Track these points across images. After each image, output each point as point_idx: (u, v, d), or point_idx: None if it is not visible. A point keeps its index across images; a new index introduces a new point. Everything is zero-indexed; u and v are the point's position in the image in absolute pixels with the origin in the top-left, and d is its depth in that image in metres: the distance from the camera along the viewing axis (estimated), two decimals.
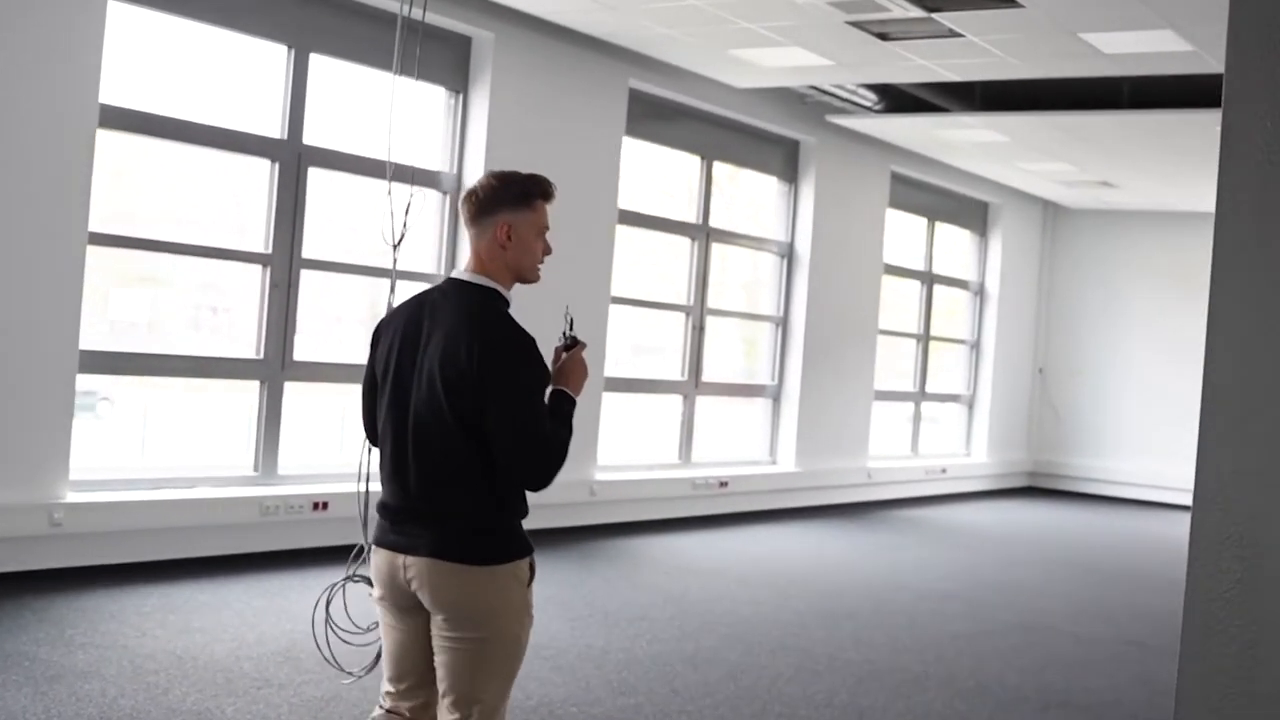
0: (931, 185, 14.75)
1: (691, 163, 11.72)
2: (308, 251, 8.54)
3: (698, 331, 11.69)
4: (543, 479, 3.19)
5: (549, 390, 3.32)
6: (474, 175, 9.44)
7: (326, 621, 4.63)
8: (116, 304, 8.18)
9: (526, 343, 3.20)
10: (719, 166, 11.94)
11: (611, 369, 10.75)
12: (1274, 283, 2.35)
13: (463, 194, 3.37)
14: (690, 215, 11.68)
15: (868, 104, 11.70)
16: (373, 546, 3.38)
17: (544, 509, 10.17)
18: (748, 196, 12.79)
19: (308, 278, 8.60)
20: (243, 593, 7.19)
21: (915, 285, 14.95)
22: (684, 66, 10.60)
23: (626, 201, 10.83)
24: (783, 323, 12.75)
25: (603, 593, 8.04)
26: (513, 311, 3.32)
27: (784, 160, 12.68)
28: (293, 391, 8.57)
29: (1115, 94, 11.01)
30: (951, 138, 12.55)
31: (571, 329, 3.48)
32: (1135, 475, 15.99)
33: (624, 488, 10.67)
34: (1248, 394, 2.40)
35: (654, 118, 11.18)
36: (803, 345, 12.66)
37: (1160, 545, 12.41)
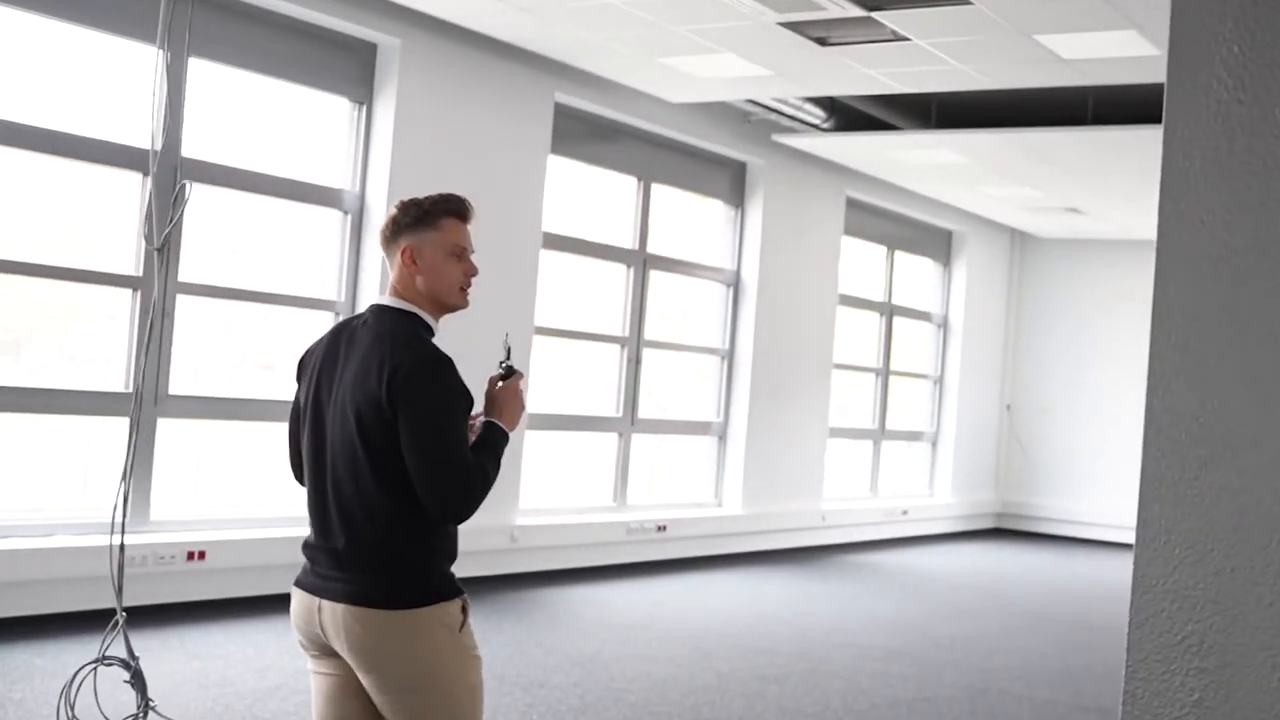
0: (890, 212, 14.01)
1: (627, 184, 10.95)
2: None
3: (634, 365, 10.90)
4: (459, 510, 2.95)
5: (480, 420, 3.15)
6: (378, 193, 8.66)
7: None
8: None
9: (439, 362, 2.99)
10: (658, 189, 11.17)
11: (536, 404, 9.96)
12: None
13: None
14: (627, 240, 10.90)
15: (816, 121, 10.95)
16: (292, 588, 3.12)
17: (460, 557, 9.43)
18: (690, 221, 12.02)
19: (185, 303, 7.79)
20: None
21: (874, 317, 14.19)
22: (614, 79, 9.84)
23: (553, 224, 10.06)
24: (729, 356, 11.97)
25: (505, 654, 7.21)
26: (439, 341, 3.09)
27: (730, 183, 11.93)
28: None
29: (1079, 109, 10.29)
30: (908, 159, 11.81)
31: (509, 358, 3.28)
32: (1107, 516, 15.21)
33: (549, 533, 9.86)
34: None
35: (584, 135, 10.42)
36: (750, 380, 11.88)
37: (1125, 593, 11.60)
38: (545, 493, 10.26)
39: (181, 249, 7.69)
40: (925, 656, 8.08)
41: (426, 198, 3.18)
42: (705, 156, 11.56)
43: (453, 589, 3.06)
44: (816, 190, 12.59)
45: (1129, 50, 7.89)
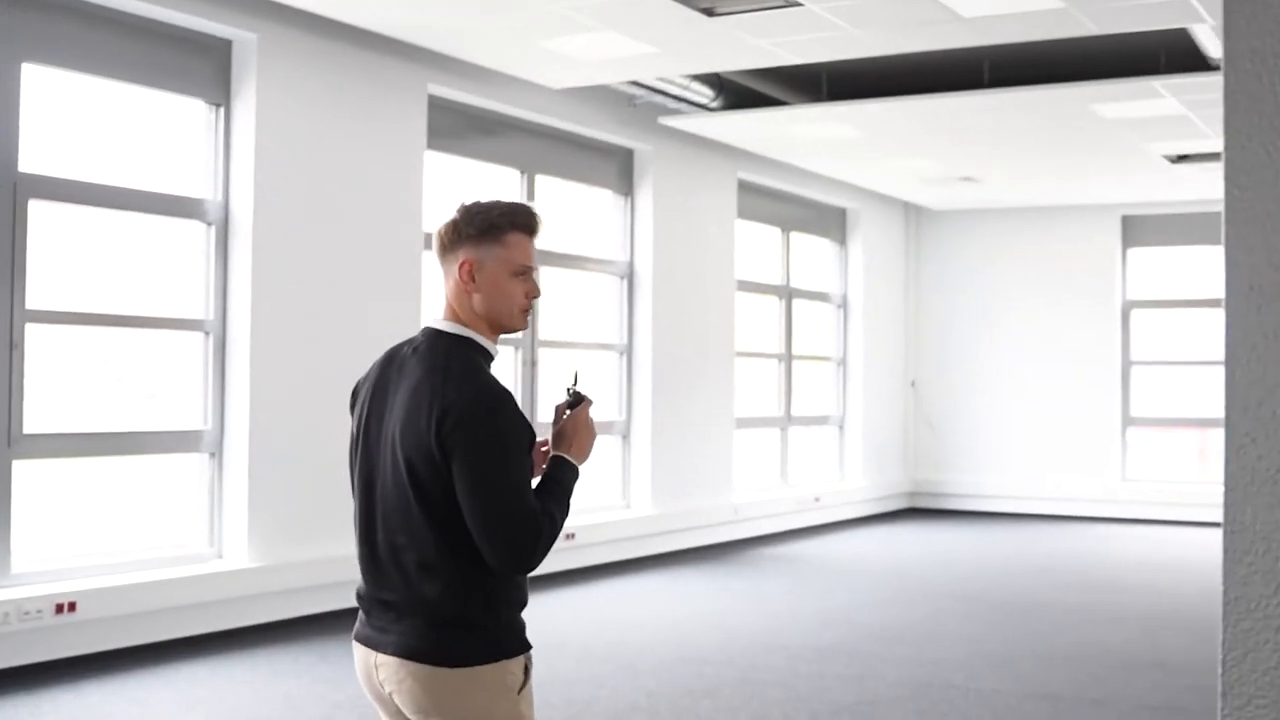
0: (783, 192, 13.60)
1: (510, 178, 10.41)
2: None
3: (530, 367, 10.37)
4: (523, 561, 2.73)
5: (548, 455, 2.93)
6: (243, 201, 8.05)
7: None
8: None
9: (495, 399, 2.77)
10: (543, 180, 10.64)
11: None
12: None
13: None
14: None
15: (704, 101, 10.49)
16: (353, 642, 2.95)
17: (347, 583, 8.85)
18: (578, 213, 11.50)
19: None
20: None
21: (773, 301, 13.78)
22: (490, 66, 9.30)
23: (435, 224, 9.47)
24: (627, 351, 11.48)
25: None
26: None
27: (617, 171, 11.43)
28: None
29: (974, 72, 9.93)
30: (800, 135, 11.40)
31: (576, 384, 3.04)
32: (1019, 489, 14.97)
33: None
34: None
35: (462, 128, 9.87)
36: (651, 374, 11.40)
37: (1052, 566, 11.31)
38: None
39: (27, 273, 7.02)
40: (860, 652, 7.65)
41: (494, 205, 2.91)
42: (590, 145, 11.06)
43: (516, 645, 2.84)
44: (707, 174, 12.15)
45: (1030, 4, 7.50)
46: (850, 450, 14.93)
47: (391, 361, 2.95)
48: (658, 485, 11.39)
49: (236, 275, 8.05)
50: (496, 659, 2.79)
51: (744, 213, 12.87)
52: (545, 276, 10.44)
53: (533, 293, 2.93)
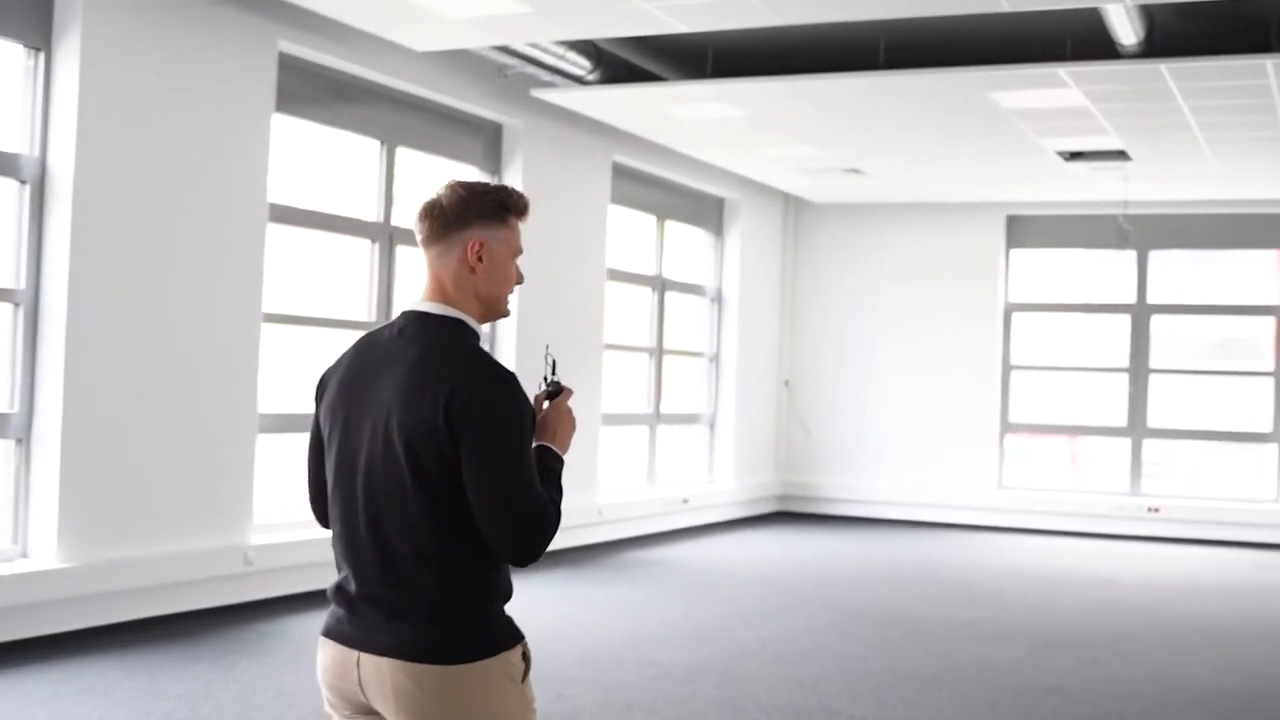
0: (660, 178, 12.97)
1: (369, 148, 9.63)
2: None
3: None
4: (532, 549, 2.65)
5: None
6: (63, 158, 7.18)
7: None
8: None
9: (507, 378, 2.68)
10: (404, 153, 9.87)
11: (268, 404, 8.60)
12: None
13: (419, 207, 2.84)
14: (370, 213, 9.59)
15: (580, 73, 9.79)
16: (320, 639, 2.81)
17: (188, 588, 8.10)
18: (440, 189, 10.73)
19: None
20: None
21: (645, 292, 13.14)
22: (347, 22, 8.51)
23: (282, 194, 8.70)
24: (490, 339, 10.75)
25: (236, 707, 5.89)
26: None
27: (485, 147, 10.69)
28: None
29: (870, 54, 9.37)
30: (681, 115, 10.74)
31: (554, 372, 2.99)
32: (895, 493, 14.50)
33: (291, 551, 8.50)
34: None
35: (316, 91, 9.08)
36: (515, 364, 10.68)
37: (931, 576, 10.81)
38: (285, 506, 8.89)
39: None
40: (733, 672, 7.02)
41: (498, 187, 2.85)
42: (457, 117, 10.31)
43: (513, 635, 2.75)
44: (581, 155, 11.46)
45: None
46: (720, 450, 14.34)
47: (371, 348, 2.82)
48: None
49: (53, 241, 7.19)
50: (497, 651, 2.69)
51: (618, 198, 12.22)
52: (401, 256, 9.72)
53: (519, 279, 2.89)
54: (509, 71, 9.92)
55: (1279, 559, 12.49)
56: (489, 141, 10.70)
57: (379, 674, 2.69)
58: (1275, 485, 13.69)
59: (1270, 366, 13.94)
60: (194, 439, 7.96)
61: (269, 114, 8.40)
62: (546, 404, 2.92)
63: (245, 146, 8.25)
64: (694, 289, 14.01)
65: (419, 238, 2.84)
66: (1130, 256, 14.20)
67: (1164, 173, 12.24)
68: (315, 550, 8.64)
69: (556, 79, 9.95)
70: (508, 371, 2.71)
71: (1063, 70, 8.83)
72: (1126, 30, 8.06)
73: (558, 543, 9.29)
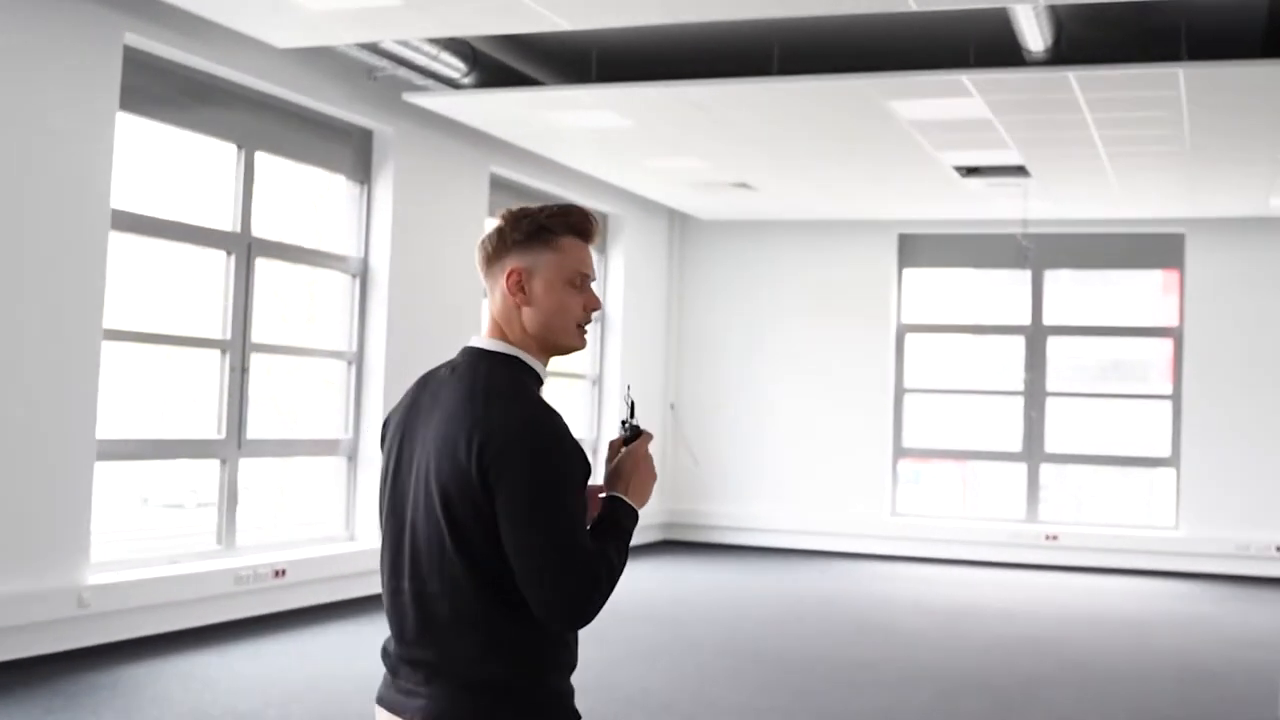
0: (540, 192, 12.31)
1: (226, 153, 8.89)
2: None
3: (239, 373, 8.84)
4: (576, 614, 2.40)
5: (601, 496, 2.57)
6: None
7: None
8: None
9: (548, 421, 2.44)
10: (265, 159, 9.14)
11: (109, 429, 7.82)
12: None
13: None
14: (226, 222, 8.84)
15: (454, 75, 9.14)
16: (376, 707, 2.58)
17: (15, 634, 7.30)
18: (304, 200, 10.01)
19: None
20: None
21: (485, 320, 12.45)
22: (200, 13, 7.77)
23: (127, 200, 7.94)
24: (357, 360, 10.03)
25: None
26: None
27: (354, 154, 9.99)
28: None
29: (764, 59, 8.84)
30: (563, 124, 10.12)
31: (633, 415, 2.71)
32: (785, 521, 13.94)
33: (131, 592, 7.75)
34: None
35: (166, 90, 8.33)
36: (384, 387, 9.97)
37: (827, 612, 10.26)
38: (125, 542, 8.12)
39: None
40: None
41: (543, 209, 2.61)
42: (323, 121, 9.60)
43: (563, 711, 2.52)
44: (457, 165, 10.79)
45: None
46: (602, 477, 13.70)
47: (425, 386, 2.64)
48: None
49: None
50: None
51: (496, 211, 11.49)
52: (261, 269, 9.00)
53: (592, 304, 2.63)
54: (378, 73, 9.25)
55: (1180, 589, 12.14)
56: (358, 149, 10.00)
57: None
58: (1173, 511, 13.37)
59: (1167, 389, 13.65)
60: (23, 467, 7.18)
61: (113, 113, 7.65)
62: (624, 450, 2.67)
63: (86, 147, 7.50)
64: None
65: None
66: (1025, 277, 13.85)
67: (1062, 190, 11.88)
68: (159, 590, 7.92)
69: (429, 82, 9.28)
70: (551, 413, 2.47)
71: (966, 78, 8.36)
72: (1035, 35, 7.62)
73: None
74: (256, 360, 9.06)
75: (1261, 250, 13.03)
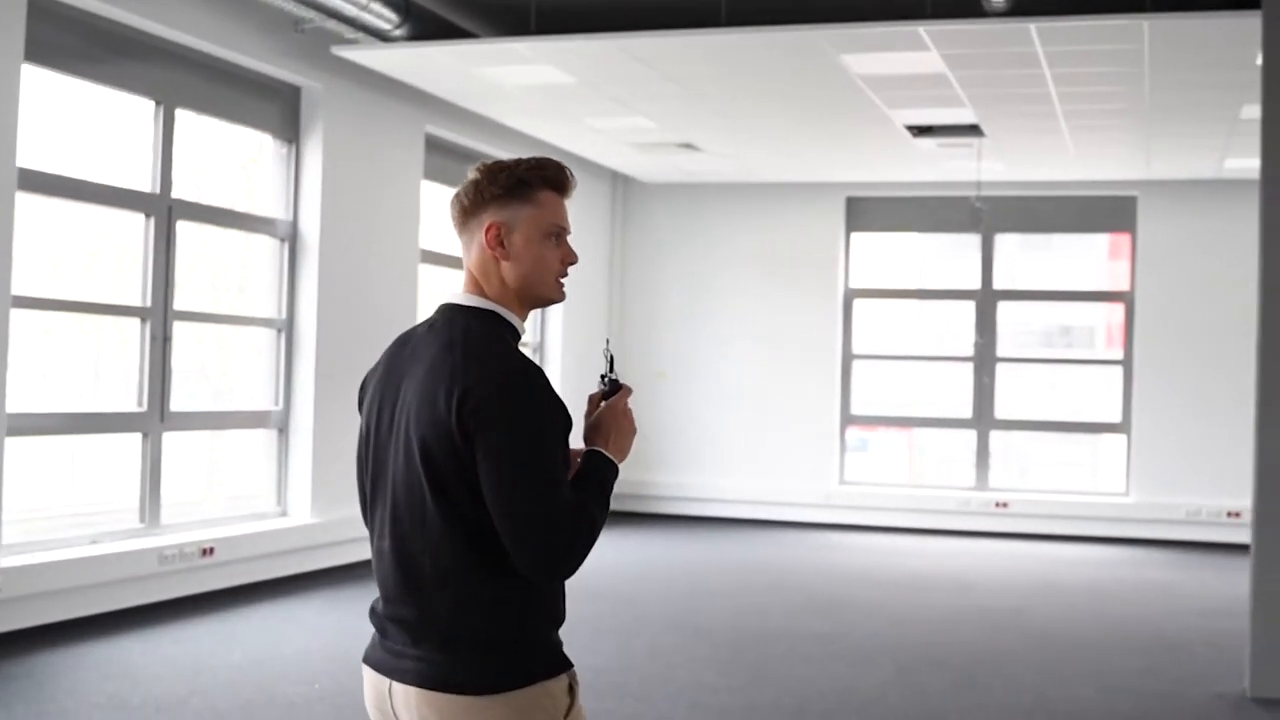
0: (478, 153, 11.88)
1: (143, 110, 8.41)
2: None
3: (160, 343, 8.39)
4: (558, 567, 2.40)
5: (583, 450, 2.59)
6: None
7: None
8: None
9: (525, 374, 2.44)
10: (184, 116, 8.66)
11: (19, 402, 7.35)
12: None
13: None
14: (144, 182, 8.37)
15: (385, 27, 8.70)
16: (362, 665, 2.60)
17: None
18: (229, 159, 9.53)
19: None
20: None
21: (462, 276, 12.04)
22: None
23: (35, 159, 7.46)
24: (287, 328, 9.58)
25: None
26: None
27: (281, 112, 9.52)
28: None
29: (712, 12, 8.47)
30: (501, 80, 9.69)
31: (612, 369, 2.74)
32: (732, 491, 13.61)
33: (44, 575, 7.29)
34: None
35: (77, 41, 7.82)
36: (315, 357, 9.54)
37: (779, 583, 9.94)
38: (37, 521, 7.67)
39: None
40: None
41: (519, 162, 2.59)
42: (248, 77, 9.12)
43: (556, 663, 2.49)
44: (390, 124, 10.34)
45: None
46: (580, 432, 13.32)
47: (404, 345, 2.63)
48: (321, 489, 9.55)
49: None
50: (532, 681, 2.47)
51: (432, 173, 11.12)
52: (183, 232, 8.54)
53: (569, 258, 2.64)
54: (305, 25, 8.79)
55: (1132, 555, 11.94)
56: (285, 106, 9.53)
57: (408, 704, 2.50)
58: (1124, 477, 13.17)
59: (1117, 355, 13.43)
60: None
61: (17, 65, 7.14)
62: (603, 404, 2.69)
63: None
64: None
65: (454, 228, 2.65)
66: (974, 241, 13.59)
67: (1016, 151, 11.58)
68: (77, 572, 7.49)
69: (360, 35, 8.84)
70: (532, 365, 2.46)
71: (923, 29, 8.01)
72: None
73: (358, 554, 8.12)
74: (182, 329, 8.61)
75: (1214, 214, 12.81)
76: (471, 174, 2.61)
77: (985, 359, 13.57)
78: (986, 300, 13.60)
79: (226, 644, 7.25)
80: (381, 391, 2.62)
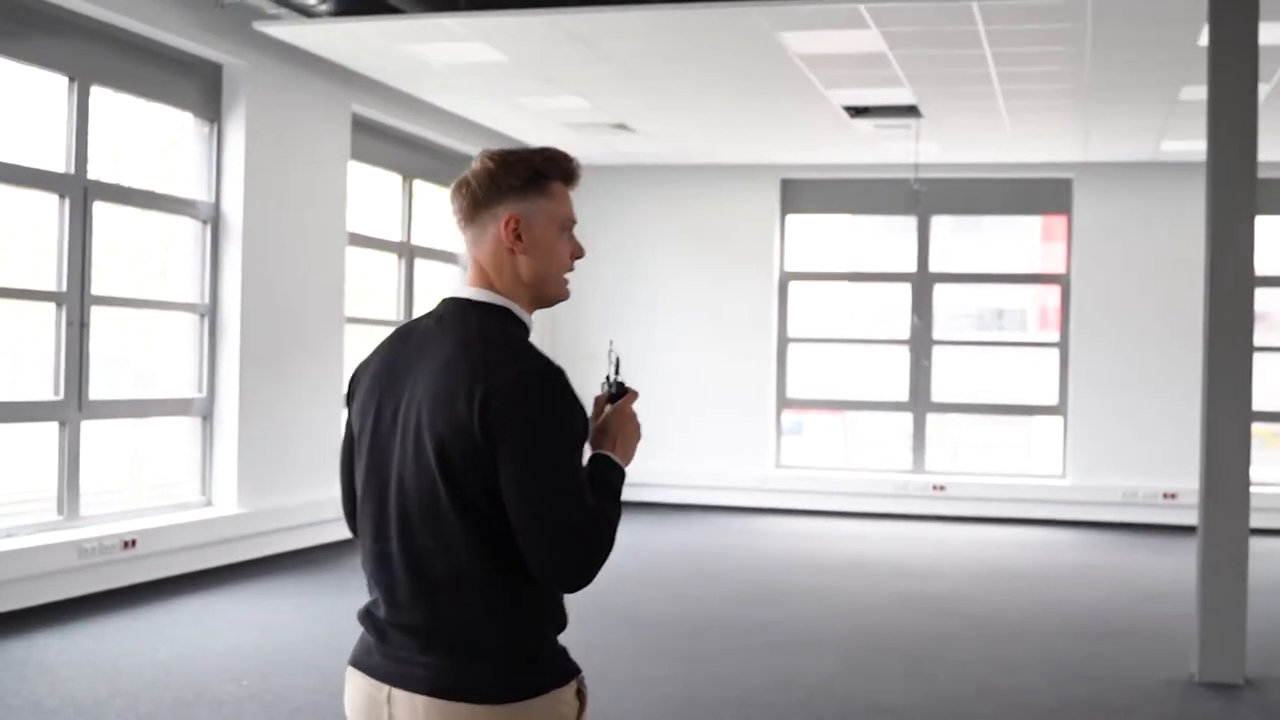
0: (407, 134, 11.62)
1: (56, 86, 8.09)
2: None
3: (78, 329, 8.08)
4: (580, 574, 2.35)
5: (586, 453, 2.47)
6: None
7: None
8: None
9: (554, 378, 2.36)
10: (100, 94, 8.34)
11: None
12: None
13: (452, 184, 2.51)
14: (59, 162, 8.06)
15: (311, 1, 8.42)
16: (348, 668, 2.49)
17: None
18: (148, 139, 9.22)
19: None
20: None
21: (392, 260, 11.79)
22: None
23: None
24: (210, 313, 9.29)
25: None
26: None
27: (202, 90, 9.21)
28: None
29: None
30: (430, 57, 9.44)
31: (618, 372, 2.67)
32: (667, 475, 13.42)
33: None
34: None
35: None
36: (240, 342, 9.26)
37: (717, 570, 9.79)
38: None
39: None
40: None
41: (533, 153, 2.49)
42: (167, 53, 8.80)
43: (567, 669, 2.44)
44: (316, 103, 10.05)
45: None
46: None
47: (406, 339, 2.51)
48: (247, 477, 9.28)
49: None
50: (547, 689, 2.39)
51: (360, 154, 10.84)
52: (100, 214, 8.24)
53: (577, 252, 2.56)
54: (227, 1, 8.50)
55: (1069, 537, 11.90)
56: (206, 84, 9.23)
57: (414, 712, 2.38)
58: (1061, 460, 13.13)
59: (1053, 337, 13.39)
60: None
61: None
62: (608, 408, 2.63)
63: None
64: (447, 257, 12.71)
65: (456, 220, 2.52)
66: (910, 223, 13.49)
67: (953, 133, 11.47)
68: (9, 563, 7.19)
69: (283, 11, 8.56)
70: (555, 366, 2.38)
71: (863, 7, 7.85)
72: None
73: (296, 542, 7.82)
74: (102, 315, 8.32)
75: (1150, 196, 12.79)
76: (483, 163, 2.49)
77: (922, 342, 13.49)
78: (923, 283, 13.50)
79: (150, 641, 6.98)
80: (381, 387, 2.51)
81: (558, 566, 2.34)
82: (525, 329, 2.50)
